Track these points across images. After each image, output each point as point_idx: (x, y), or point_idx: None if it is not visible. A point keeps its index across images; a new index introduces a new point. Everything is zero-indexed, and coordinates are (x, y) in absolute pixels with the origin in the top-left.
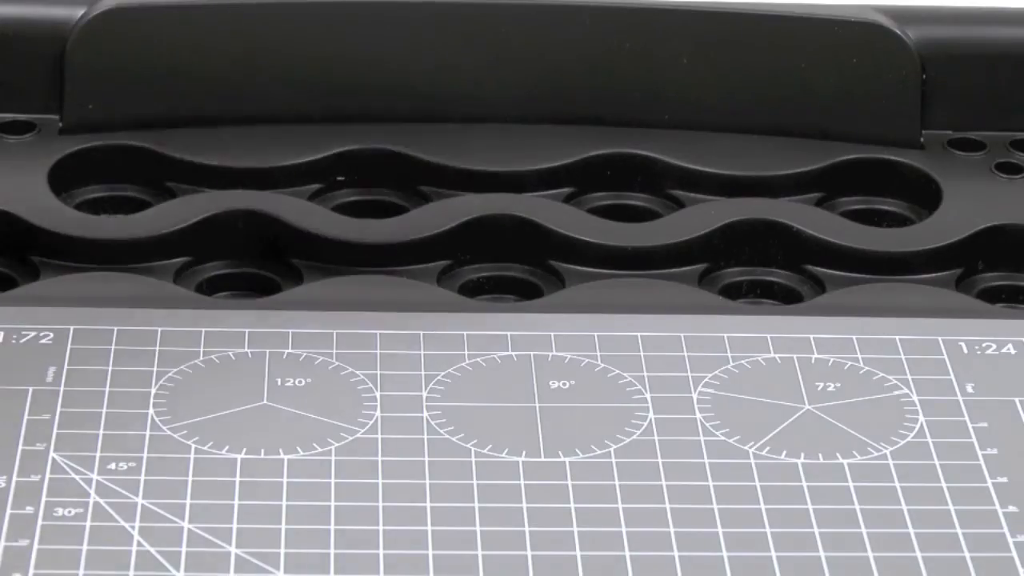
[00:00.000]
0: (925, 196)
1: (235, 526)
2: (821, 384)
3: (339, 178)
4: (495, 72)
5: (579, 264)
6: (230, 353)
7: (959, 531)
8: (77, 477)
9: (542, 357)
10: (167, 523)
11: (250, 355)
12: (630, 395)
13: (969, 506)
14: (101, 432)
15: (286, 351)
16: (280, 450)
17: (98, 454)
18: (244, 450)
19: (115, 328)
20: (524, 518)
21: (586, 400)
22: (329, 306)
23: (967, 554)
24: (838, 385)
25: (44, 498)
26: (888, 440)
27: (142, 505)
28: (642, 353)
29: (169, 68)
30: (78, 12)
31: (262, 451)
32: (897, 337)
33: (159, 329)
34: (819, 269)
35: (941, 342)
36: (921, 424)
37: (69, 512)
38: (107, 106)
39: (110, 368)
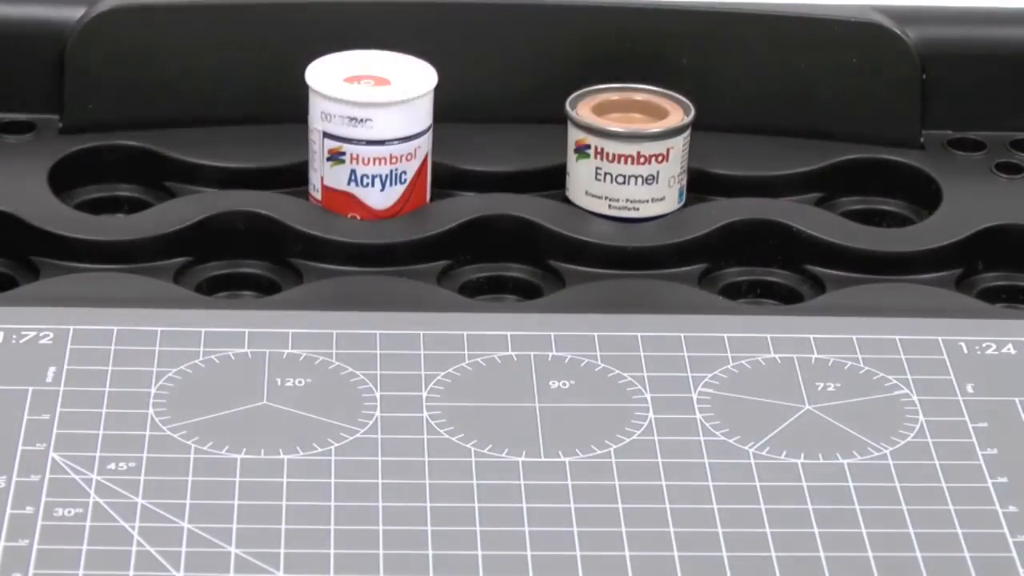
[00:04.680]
0: (925, 196)
1: (235, 526)
2: (821, 384)
3: None
4: (495, 72)
5: (579, 264)
6: (230, 353)
7: (959, 531)
8: (77, 477)
9: (542, 357)
10: (167, 523)
11: (250, 355)
12: (630, 395)
13: (969, 506)
14: (101, 432)
15: (286, 351)
16: (280, 450)
17: (98, 454)
18: (244, 450)
19: (115, 328)
20: (524, 518)
21: (586, 400)
22: (329, 306)
23: (967, 554)
24: (838, 385)
25: (44, 498)
26: (888, 440)
27: (142, 505)
28: (642, 353)
29: (169, 68)
30: (78, 12)
31: (262, 451)
32: (897, 337)
33: (159, 329)
34: (819, 269)
35: (941, 342)
36: (921, 424)
37: (69, 512)
38: (107, 106)
39: (110, 368)
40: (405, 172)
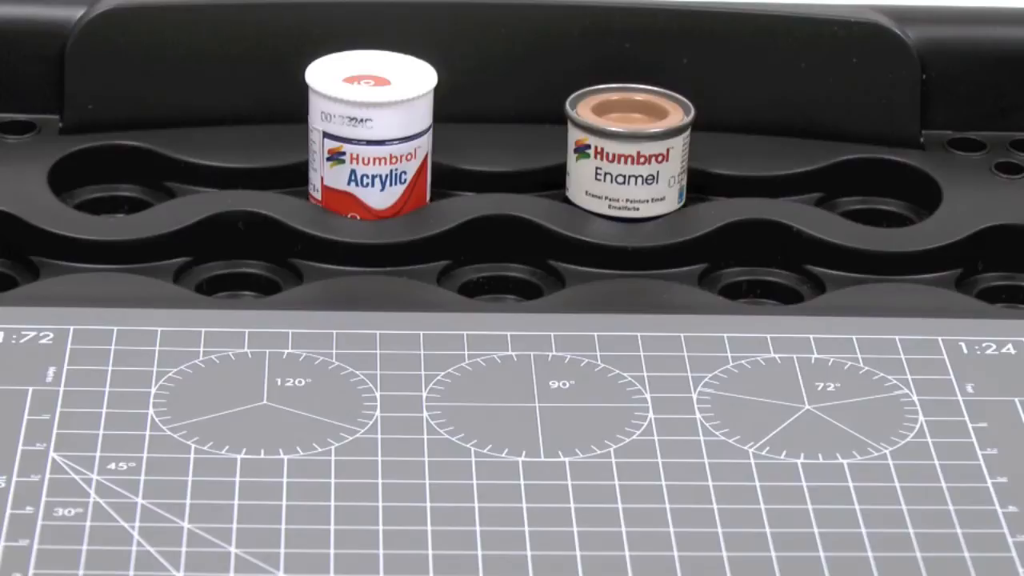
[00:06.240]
0: (925, 196)
1: (235, 526)
2: (821, 384)
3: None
4: (495, 72)
5: (579, 264)
6: (230, 353)
7: (959, 531)
8: (77, 477)
9: (542, 357)
10: (167, 523)
11: (250, 355)
12: (630, 395)
13: (969, 506)
14: (101, 432)
15: (286, 351)
16: (280, 450)
17: (98, 454)
18: (244, 450)
19: (115, 328)
20: (524, 518)
21: (586, 400)
22: (329, 306)
23: (967, 554)
24: (838, 385)
25: (44, 498)
26: (888, 440)
27: (142, 505)
28: (642, 353)
29: (169, 68)
30: (78, 12)
31: (262, 451)
32: (897, 337)
33: (159, 329)
34: (819, 269)
35: (941, 342)
36: (921, 424)
37: (69, 512)
38: (107, 106)
39: (110, 368)
40: (405, 172)
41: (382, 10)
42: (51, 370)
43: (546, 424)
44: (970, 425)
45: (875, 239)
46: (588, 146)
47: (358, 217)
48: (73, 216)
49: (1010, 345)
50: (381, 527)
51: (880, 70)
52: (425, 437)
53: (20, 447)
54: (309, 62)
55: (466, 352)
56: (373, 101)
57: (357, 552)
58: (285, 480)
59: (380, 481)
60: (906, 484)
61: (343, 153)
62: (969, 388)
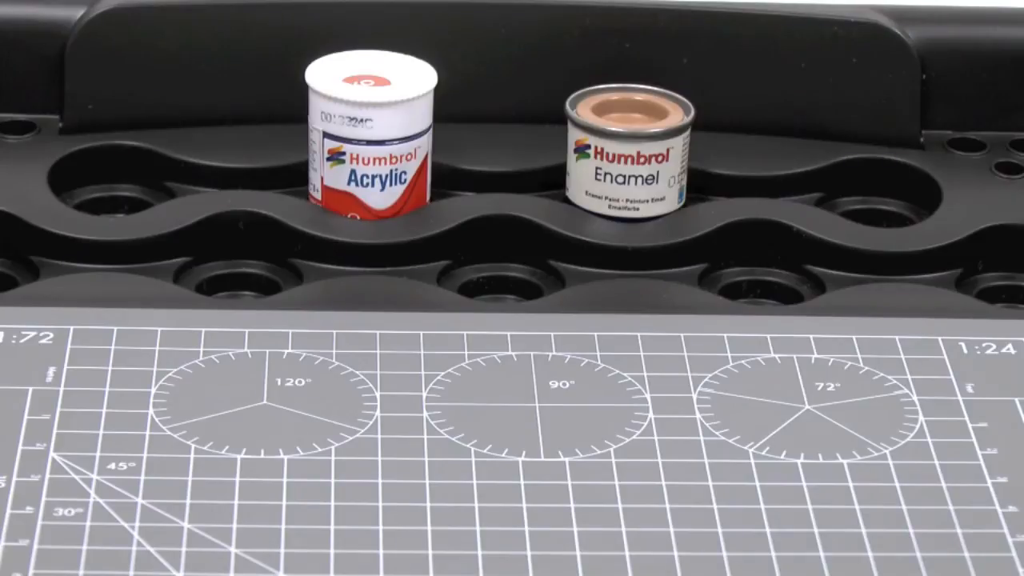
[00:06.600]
0: (925, 196)
1: (235, 526)
2: (821, 384)
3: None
4: (495, 72)
5: (579, 264)
6: (230, 353)
7: (959, 531)
8: (77, 477)
9: (542, 357)
10: (167, 523)
11: (250, 355)
12: (630, 395)
13: (969, 506)
14: (101, 432)
15: (286, 351)
16: (280, 450)
17: (98, 454)
18: (244, 450)
19: (115, 328)
20: (524, 518)
21: (586, 400)
22: (329, 306)
23: (967, 554)
24: (838, 385)
25: (44, 498)
26: (888, 440)
27: (142, 505)
28: (642, 353)
29: (169, 68)
30: (78, 12)
31: (262, 451)
32: (897, 337)
33: (159, 329)
34: (819, 269)
35: (941, 342)
36: (921, 424)
37: (69, 512)
38: (107, 106)
39: (110, 368)
40: (405, 172)
41: (382, 10)
42: (51, 370)
43: (546, 424)
44: (970, 425)
45: (875, 239)
46: (588, 146)
47: (358, 217)
48: (73, 216)
49: (1010, 345)
50: (381, 527)
51: (880, 70)
52: (425, 437)
53: (20, 447)
54: (309, 62)
55: (466, 352)
56: (373, 101)
57: (357, 552)
58: (285, 480)
59: (380, 481)
60: (906, 484)
61: (343, 153)
62: (969, 388)
